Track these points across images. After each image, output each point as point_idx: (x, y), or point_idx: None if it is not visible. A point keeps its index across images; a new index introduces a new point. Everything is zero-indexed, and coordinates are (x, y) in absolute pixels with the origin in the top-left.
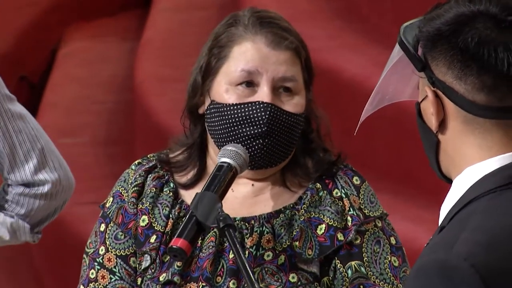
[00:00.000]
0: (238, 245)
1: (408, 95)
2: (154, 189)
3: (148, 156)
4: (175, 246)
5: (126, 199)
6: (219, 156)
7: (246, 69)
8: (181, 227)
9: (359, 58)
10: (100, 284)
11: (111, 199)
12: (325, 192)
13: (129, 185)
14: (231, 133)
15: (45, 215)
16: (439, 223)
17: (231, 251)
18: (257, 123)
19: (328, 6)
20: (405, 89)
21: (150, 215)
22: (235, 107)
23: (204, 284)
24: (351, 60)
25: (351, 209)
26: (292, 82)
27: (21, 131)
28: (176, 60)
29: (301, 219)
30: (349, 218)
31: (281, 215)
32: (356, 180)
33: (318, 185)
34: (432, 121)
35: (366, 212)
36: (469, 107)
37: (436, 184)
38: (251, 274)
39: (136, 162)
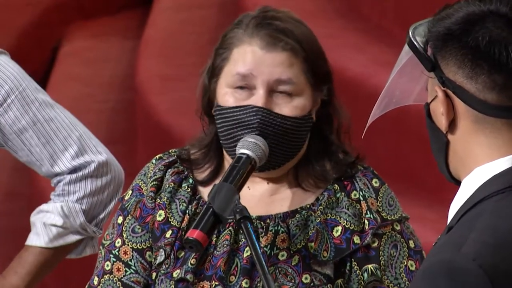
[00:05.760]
0: (254, 238)
1: (415, 99)
2: (172, 184)
3: (170, 151)
4: (191, 238)
5: (145, 193)
6: (238, 147)
7: (241, 72)
8: (197, 218)
9: (360, 57)
10: (115, 277)
11: (130, 192)
12: (343, 194)
13: (149, 179)
14: (230, 136)
15: (101, 205)
16: (448, 223)
17: (245, 250)
18: (249, 127)
19: (330, 5)
20: (412, 92)
21: (167, 210)
22: (230, 110)
23: (217, 283)
24: (352, 59)
25: (368, 212)
26: (289, 85)
27: (53, 120)
28: (177, 59)
29: (317, 221)
30: (366, 221)
31: (297, 215)
32: (375, 183)
33: (336, 186)
34: (442, 121)
35: (384, 215)
36: (480, 107)
37: (439, 183)
38: (265, 268)
39: (157, 156)
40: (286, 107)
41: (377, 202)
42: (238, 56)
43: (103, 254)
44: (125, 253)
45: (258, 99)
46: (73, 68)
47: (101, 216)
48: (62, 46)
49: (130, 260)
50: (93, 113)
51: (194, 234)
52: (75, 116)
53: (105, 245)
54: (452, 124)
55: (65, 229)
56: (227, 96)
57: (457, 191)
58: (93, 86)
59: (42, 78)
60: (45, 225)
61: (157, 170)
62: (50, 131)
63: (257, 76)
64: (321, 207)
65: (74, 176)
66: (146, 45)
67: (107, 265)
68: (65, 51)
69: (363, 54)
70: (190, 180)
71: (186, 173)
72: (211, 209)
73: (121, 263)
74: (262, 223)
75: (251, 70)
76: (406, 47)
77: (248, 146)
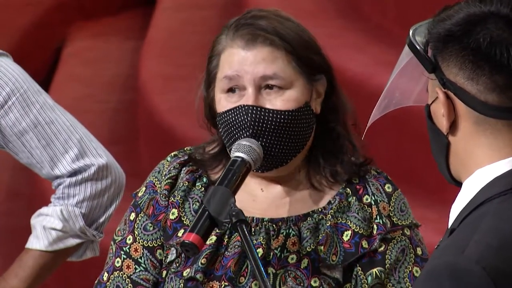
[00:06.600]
0: (250, 241)
1: (415, 100)
2: (186, 182)
3: (185, 148)
4: (187, 241)
5: (158, 191)
6: (232, 150)
7: (228, 75)
8: (193, 221)
9: (361, 57)
10: (124, 274)
11: (143, 188)
12: (354, 198)
13: (163, 177)
14: (231, 140)
15: (101, 209)
16: (449, 225)
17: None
18: (243, 127)
19: (330, 5)
20: (412, 94)
21: (180, 208)
22: (225, 115)
23: (226, 283)
24: (353, 59)
25: (378, 217)
26: (275, 79)
27: (54, 122)
28: (179, 59)
29: (328, 224)
30: (375, 226)
31: (308, 219)
32: (388, 188)
33: (348, 190)
34: (442, 123)
35: (395, 220)
36: (481, 108)
37: (439, 183)
38: (262, 270)
39: (172, 153)
40: (278, 101)
41: (389, 207)
42: (225, 60)
43: (113, 250)
44: (136, 250)
45: (248, 98)
46: (74, 69)
47: (101, 219)
48: (64, 47)
49: (140, 258)
50: (95, 114)
51: (190, 237)
52: (77, 117)
53: (116, 241)
54: (453, 126)
55: (64, 233)
56: (221, 101)
57: (458, 191)
58: (94, 87)
59: (44, 79)
60: (45, 229)
61: (172, 168)
62: (51, 133)
63: (243, 76)
64: (332, 211)
65: (74, 179)
66: (148, 45)
67: (117, 262)
68: (67, 51)
69: (364, 54)
70: (204, 179)
71: (200, 171)
72: (207, 212)
73: (131, 260)
74: (273, 225)
75: (237, 71)
76: (406, 48)
77: (243, 149)
